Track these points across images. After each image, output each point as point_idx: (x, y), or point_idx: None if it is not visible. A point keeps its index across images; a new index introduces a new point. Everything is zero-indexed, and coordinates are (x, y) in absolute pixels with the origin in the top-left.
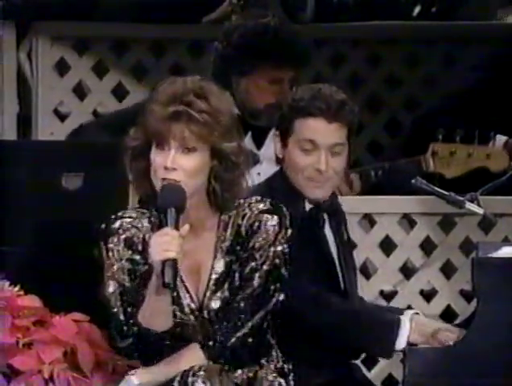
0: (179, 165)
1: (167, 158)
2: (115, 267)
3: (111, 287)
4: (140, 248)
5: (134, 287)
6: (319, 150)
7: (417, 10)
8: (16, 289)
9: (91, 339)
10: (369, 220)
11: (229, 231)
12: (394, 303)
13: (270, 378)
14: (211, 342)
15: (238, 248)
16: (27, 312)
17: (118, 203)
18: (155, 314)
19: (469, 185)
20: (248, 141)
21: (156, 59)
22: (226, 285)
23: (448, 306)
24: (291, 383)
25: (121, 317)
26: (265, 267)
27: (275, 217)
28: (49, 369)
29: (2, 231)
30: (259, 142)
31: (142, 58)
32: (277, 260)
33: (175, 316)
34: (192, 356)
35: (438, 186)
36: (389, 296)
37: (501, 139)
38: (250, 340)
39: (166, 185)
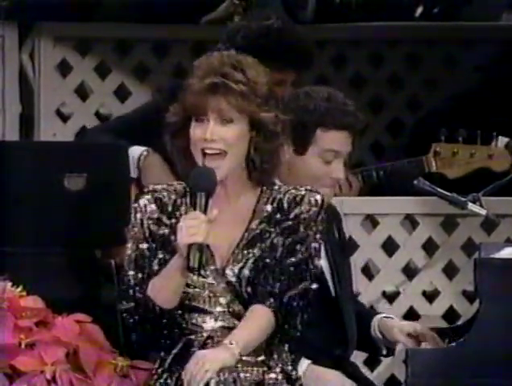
0: (218, 136)
1: (206, 130)
2: (137, 229)
3: (129, 249)
4: (170, 209)
5: (151, 254)
6: (338, 160)
7: (419, 10)
8: (18, 289)
9: (93, 340)
10: (371, 221)
11: (269, 203)
12: (397, 304)
13: (278, 384)
14: (272, 299)
15: (278, 216)
16: (30, 313)
17: (121, 205)
18: (165, 291)
19: (471, 185)
20: None
21: (159, 60)
22: (257, 250)
23: (451, 307)
24: None
25: (132, 281)
26: (306, 244)
27: (319, 195)
28: (51, 370)
29: (4, 231)
30: None
31: (145, 59)
32: (316, 245)
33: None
34: (261, 315)
35: (440, 186)
36: (391, 297)
37: (503, 140)
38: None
39: (198, 168)
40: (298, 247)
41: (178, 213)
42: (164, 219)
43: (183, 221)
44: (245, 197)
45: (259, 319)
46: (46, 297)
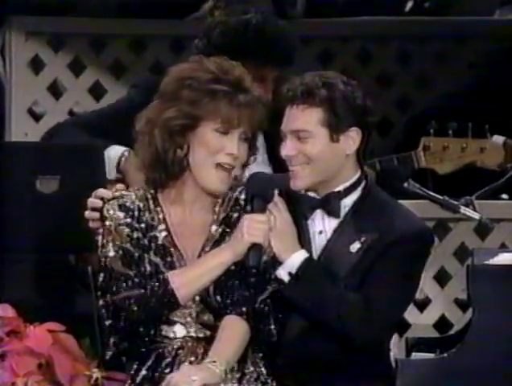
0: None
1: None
2: (113, 232)
3: (112, 251)
4: (136, 213)
5: (136, 252)
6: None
7: (409, 5)
8: None
9: (67, 350)
10: None
11: (225, 204)
12: None
13: None
14: (243, 307)
15: (236, 215)
16: (0, 322)
17: None
18: (197, 283)
19: (465, 186)
20: None
21: (136, 57)
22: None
23: (443, 316)
24: None
25: (129, 272)
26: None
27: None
28: (23, 381)
29: None
30: None
31: (121, 55)
32: None
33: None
34: (235, 326)
35: (432, 183)
36: None
37: (498, 139)
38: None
39: (255, 175)
40: (263, 249)
41: (144, 218)
42: (134, 223)
43: (246, 221)
44: (202, 203)
45: (235, 331)
46: (17, 306)
